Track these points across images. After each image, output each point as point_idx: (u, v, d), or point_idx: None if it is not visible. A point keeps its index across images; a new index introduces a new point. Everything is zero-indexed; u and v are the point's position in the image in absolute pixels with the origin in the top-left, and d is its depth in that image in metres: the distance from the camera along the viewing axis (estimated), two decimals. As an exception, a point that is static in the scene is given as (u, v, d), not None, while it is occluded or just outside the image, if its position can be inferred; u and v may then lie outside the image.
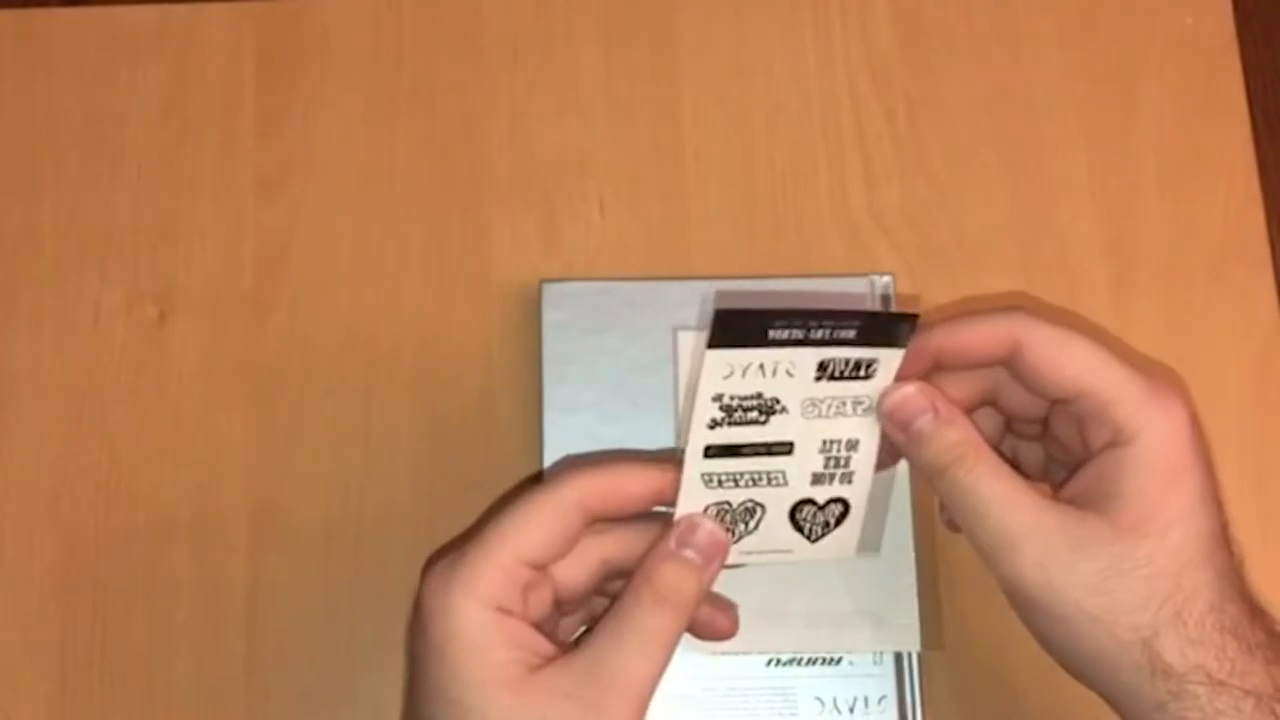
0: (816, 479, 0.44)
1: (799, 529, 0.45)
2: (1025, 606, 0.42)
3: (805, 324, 0.41)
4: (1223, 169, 0.59)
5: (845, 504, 0.45)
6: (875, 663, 0.52)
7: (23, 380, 0.56)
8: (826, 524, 0.45)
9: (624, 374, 0.54)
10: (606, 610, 0.41)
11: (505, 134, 0.60)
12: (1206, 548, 0.41)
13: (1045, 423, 0.45)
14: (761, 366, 0.42)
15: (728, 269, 0.57)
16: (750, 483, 0.44)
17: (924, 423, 0.43)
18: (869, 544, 0.47)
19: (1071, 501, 0.42)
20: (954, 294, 0.57)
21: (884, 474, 0.45)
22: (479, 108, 0.60)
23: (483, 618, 0.40)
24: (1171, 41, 0.61)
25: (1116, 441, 0.42)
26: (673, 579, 0.41)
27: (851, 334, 0.42)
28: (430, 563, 0.42)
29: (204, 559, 0.54)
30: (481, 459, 0.55)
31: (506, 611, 0.40)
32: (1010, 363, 0.43)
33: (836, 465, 0.44)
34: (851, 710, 0.51)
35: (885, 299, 0.55)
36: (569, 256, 0.58)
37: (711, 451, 0.43)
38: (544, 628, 0.41)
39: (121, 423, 0.56)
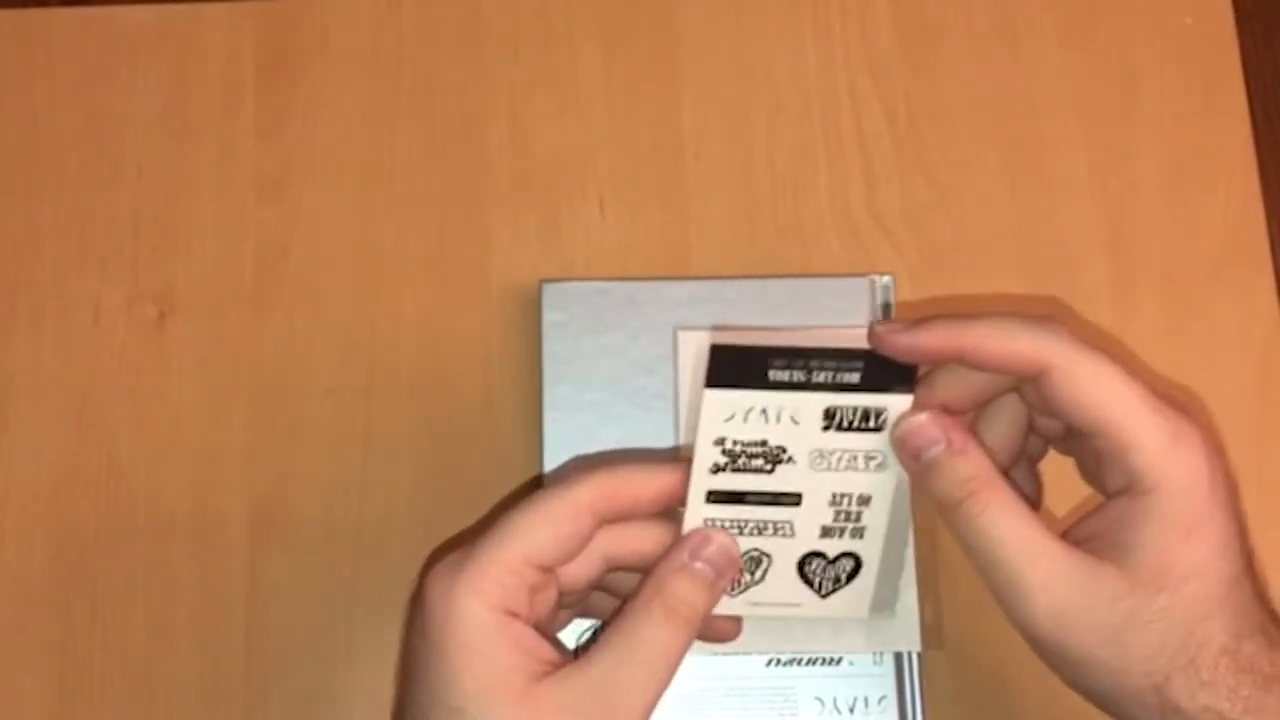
0: (826, 532, 0.43)
1: (808, 582, 0.44)
2: (1037, 647, 0.41)
3: (806, 364, 0.41)
4: (1223, 169, 0.59)
5: (857, 559, 0.44)
6: (875, 663, 0.52)
7: (23, 380, 0.56)
8: (837, 579, 0.44)
9: (624, 374, 0.54)
10: (613, 617, 0.40)
11: (505, 134, 0.60)
12: (1224, 593, 0.39)
13: (1066, 439, 0.44)
14: (764, 412, 0.41)
15: (728, 269, 0.57)
16: (755, 531, 0.43)
17: (936, 453, 0.41)
18: (883, 603, 0.45)
19: (1085, 543, 0.41)
20: (954, 294, 0.57)
21: (899, 532, 0.44)
22: (479, 108, 0.60)
23: (489, 620, 0.39)
24: (1171, 41, 0.61)
25: (1134, 490, 0.40)
26: (684, 592, 0.41)
27: (856, 377, 0.41)
28: (433, 560, 0.41)
29: (204, 559, 0.54)
30: (481, 459, 0.55)
31: (513, 614, 0.39)
32: (1036, 382, 0.41)
33: (847, 519, 0.43)
34: (851, 710, 0.51)
35: (885, 306, 0.55)
36: (569, 256, 0.58)
37: (715, 497, 0.42)
38: (543, 627, 0.41)
39: (121, 423, 0.56)
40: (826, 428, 0.42)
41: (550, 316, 0.54)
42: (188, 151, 0.59)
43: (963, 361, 0.42)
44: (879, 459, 0.42)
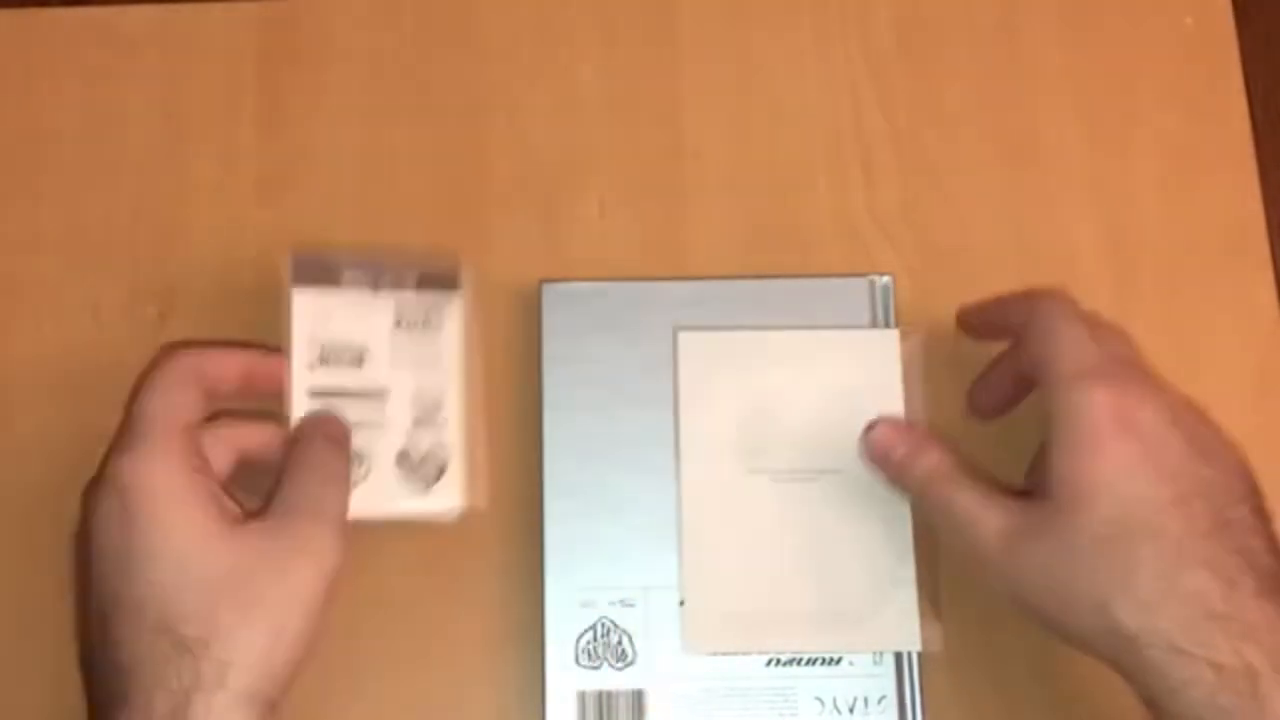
0: (416, 423, 0.50)
1: (405, 480, 0.50)
2: (1011, 600, 0.45)
3: (375, 271, 0.50)
4: (1223, 169, 0.59)
5: (445, 453, 0.50)
6: (875, 663, 0.52)
7: (23, 380, 0.56)
8: (429, 475, 0.50)
9: (624, 374, 0.54)
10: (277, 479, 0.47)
11: (505, 134, 0.60)
12: (1147, 514, 0.42)
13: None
14: (346, 314, 0.50)
15: (727, 269, 0.57)
16: (354, 428, 0.49)
17: (899, 454, 0.50)
18: (479, 497, 0.51)
19: (1029, 491, 0.47)
20: (954, 294, 0.57)
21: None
22: (479, 108, 0.60)
23: (182, 473, 0.44)
24: (1171, 41, 0.61)
25: (1048, 417, 0.45)
26: (332, 423, 0.48)
27: (413, 281, 0.50)
28: (92, 482, 0.45)
29: (204, 559, 0.54)
30: (481, 459, 0.55)
31: (200, 471, 0.45)
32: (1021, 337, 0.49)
33: (432, 412, 0.50)
34: (851, 710, 0.51)
35: (885, 305, 0.55)
36: (569, 257, 0.58)
37: (315, 392, 0.49)
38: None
39: (121, 423, 0.56)
40: (398, 326, 0.50)
41: (550, 317, 0.54)
42: (188, 151, 0.59)
43: (989, 323, 0.53)
44: (444, 358, 0.50)
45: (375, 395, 0.50)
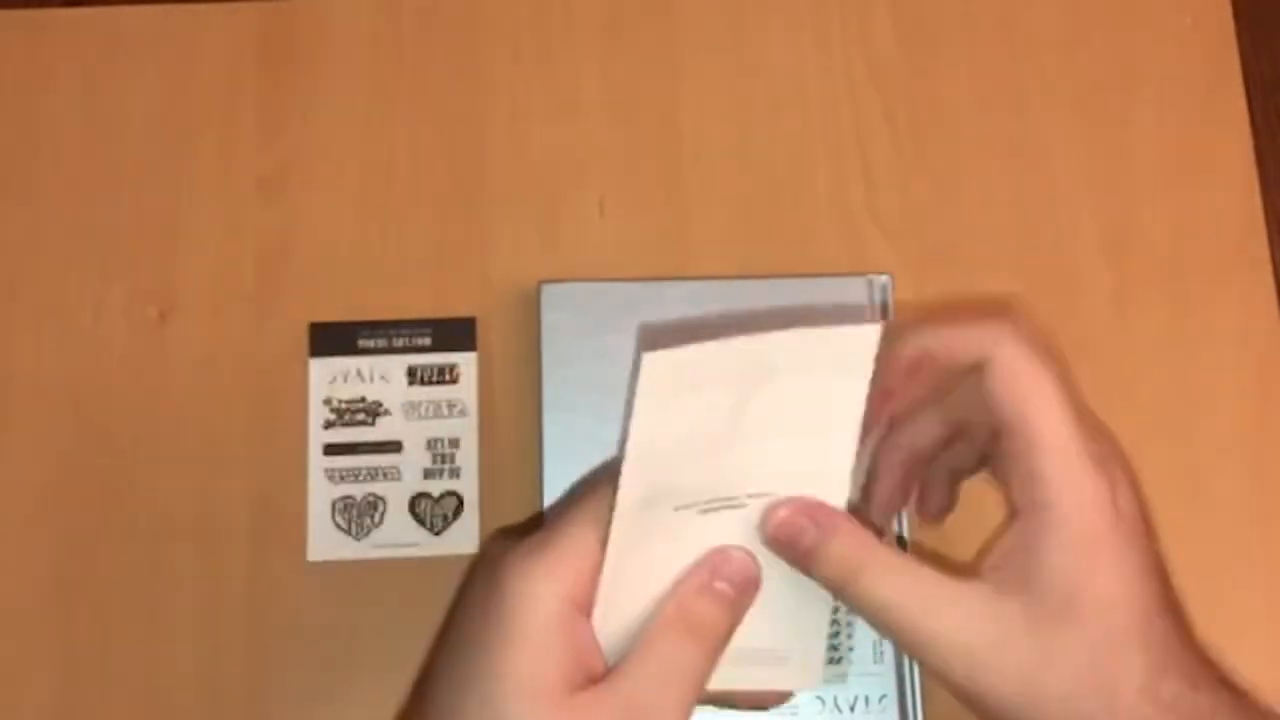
0: (428, 474, 0.53)
1: (420, 522, 0.53)
2: (960, 699, 0.39)
3: (388, 333, 0.55)
4: (1223, 169, 0.59)
5: (459, 498, 0.53)
6: (875, 661, 0.52)
7: (23, 380, 0.56)
8: (445, 516, 0.53)
9: (624, 374, 0.54)
10: (638, 642, 0.39)
11: (505, 134, 0.60)
12: (1138, 626, 0.38)
13: (993, 452, 0.42)
14: (360, 373, 0.54)
15: (727, 269, 0.57)
16: (368, 477, 0.53)
17: (807, 541, 0.40)
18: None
19: (992, 572, 0.39)
20: (953, 294, 0.57)
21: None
22: (479, 108, 0.60)
23: (558, 612, 0.37)
24: (1171, 41, 0.61)
25: (1036, 503, 0.39)
26: (705, 611, 0.40)
27: (428, 341, 0.55)
28: (496, 537, 0.43)
29: (204, 559, 0.54)
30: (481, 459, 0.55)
31: (582, 609, 0.38)
32: (978, 375, 0.41)
33: (444, 462, 0.53)
34: (852, 710, 0.51)
35: (884, 306, 0.55)
36: (569, 257, 0.58)
37: (330, 450, 0.53)
38: None
39: (121, 422, 0.56)
40: (412, 383, 0.54)
41: (549, 317, 0.54)
42: (188, 152, 0.59)
43: (920, 368, 0.42)
44: (460, 406, 0.54)
45: (389, 447, 0.54)
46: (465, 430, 0.55)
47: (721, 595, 0.40)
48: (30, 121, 0.59)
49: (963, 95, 0.60)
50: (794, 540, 0.40)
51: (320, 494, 0.54)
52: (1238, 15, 0.61)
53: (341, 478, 0.54)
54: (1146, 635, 0.38)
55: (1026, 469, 0.39)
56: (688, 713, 0.39)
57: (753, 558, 0.41)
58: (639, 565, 0.40)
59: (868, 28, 0.61)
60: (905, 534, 0.53)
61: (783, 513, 0.41)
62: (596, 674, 0.38)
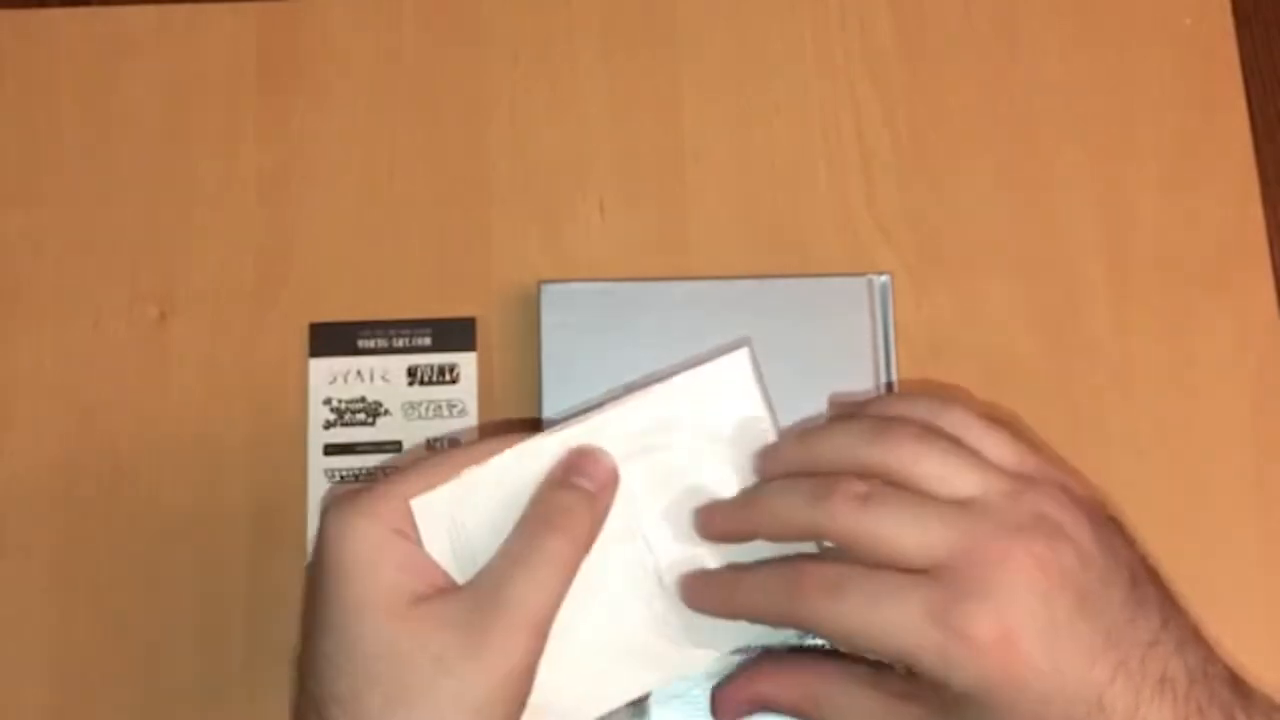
0: None
1: None
2: None
3: (388, 333, 0.54)
4: (1223, 169, 0.59)
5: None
6: (875, 663, 0.51)
7: (23, 380, 0.56)
8: None
9: (623, 375, 0.54)
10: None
11: (505, 134, 0.60)
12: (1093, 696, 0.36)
13: None
14: (360, 373, 0.53)
15: (727, 269, 0.57)
16: (369, 478, 0.51)
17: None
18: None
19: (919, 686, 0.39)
20: (953, 294, 0.57)
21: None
22: (479, 108, 0.60)
23: (376, 535, 0.40)
24: (1171, 42, 0.61)
25: (953, 700, 0.38)
26: (562, 501, 0.41)
27: (428, 341, 0.54)
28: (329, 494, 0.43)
29: (204, 559, 0.54)
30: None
31: (402, 533, 0.40)
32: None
33: None
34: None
35: (884, 305, 0.55)
36: (569, 257, 0.58)
37: (330, 450, 0.53)
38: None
39: (122, 423, 0.56)
40: (411, 384, 0.54)
41: (549, 318, 0.54)
42: (188, 152, 0.59)
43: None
44: (460, 406, 0.53)
45: (389, 446, 0.52)
46: (465, 430, 0.55)
47: (579, 487, 0.41)
48: (30, 122, 0.59)
49: (963, 95, 0.60)
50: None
51: (320, 494, 0.54)
52: (1238, 15, 0.61)
53: (341, 478, 0.54)
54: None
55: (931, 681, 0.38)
56: (547, 606, 0.39)
57: (608, 456, 0.43)
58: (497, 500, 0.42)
59: (868, 28, 0.61)
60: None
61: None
62: (443, 587, 0.40)
